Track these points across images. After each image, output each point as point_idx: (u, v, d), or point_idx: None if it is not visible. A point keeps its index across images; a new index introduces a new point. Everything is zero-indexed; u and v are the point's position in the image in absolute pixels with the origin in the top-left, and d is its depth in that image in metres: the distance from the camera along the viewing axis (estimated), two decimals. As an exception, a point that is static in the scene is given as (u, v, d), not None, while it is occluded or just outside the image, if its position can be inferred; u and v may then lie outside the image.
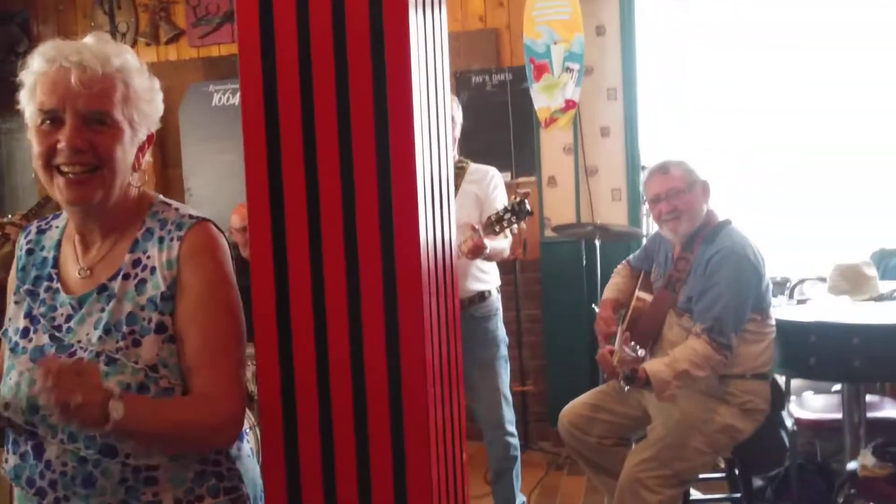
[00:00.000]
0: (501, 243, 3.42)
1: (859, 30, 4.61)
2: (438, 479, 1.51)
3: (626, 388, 2.76)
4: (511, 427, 3.64)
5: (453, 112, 3.53)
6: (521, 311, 4.91)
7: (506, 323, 4.11)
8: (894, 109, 4.59)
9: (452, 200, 1.70)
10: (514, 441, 3.65)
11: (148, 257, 1.49)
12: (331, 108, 1.44)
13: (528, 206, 3.16)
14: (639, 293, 3.06)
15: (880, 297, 3.29)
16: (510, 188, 4.86)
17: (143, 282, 1.47)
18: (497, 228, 3.18)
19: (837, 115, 4.67)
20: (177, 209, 1.55)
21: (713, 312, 2.71)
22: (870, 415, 3.41)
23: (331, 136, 1.44)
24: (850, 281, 3.35)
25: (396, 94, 1.42)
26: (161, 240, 1.49)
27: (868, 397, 3.61)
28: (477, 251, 3.25)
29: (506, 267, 4.71)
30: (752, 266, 2.76)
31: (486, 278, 3.61)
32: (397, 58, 1.42)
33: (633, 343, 2.68)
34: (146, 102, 1.51)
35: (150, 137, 1.55)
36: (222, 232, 1.55)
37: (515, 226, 3.29)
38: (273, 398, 1.48)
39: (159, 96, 1.56)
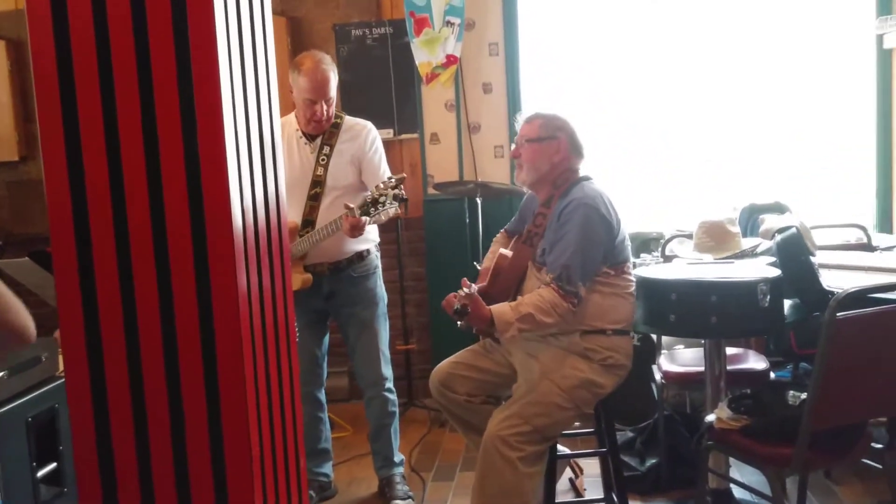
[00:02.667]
0: (387, 213, 3.35)
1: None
2: (262, 457, 1.46)
3: (459, 324, 2.77)
4: (389, 384, 3.64)
5: (325, 73, 3.39)
6: (404, 269, 4.88)
7: (389, 281, 4.08)
8: (767, 72, 4.71)
9: (280, 169, 1.63)
10: (393, 397, 3.65)
11: None
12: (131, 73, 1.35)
13: (403, 194, 3.10)
14: (502, 250, 3.06)
15: (742, 254, 3.38)
16: (393, 144, 4.81)
17: None
18: (371, 211, 3.11)
19: (719, 76, 4.76)
20: None
21: (561, 261, 2.74)
22: (733, 367, 3.52)
23: (133, 110, 1.35)
24: (714, 237, 3.42)
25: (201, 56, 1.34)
26: None
27: (732, 350, 3.73)
28: (356, 231, 3.19)
29: (388, 225, 4.65)
30: (602, 218, 2.78)
31: (363, 238, 3.54)
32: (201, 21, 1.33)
33: (469, 283, 2.74)
34: None
35: None
36: None
37: (391, 209, 3.22)
38: (82, 386, 1.40)
39: None
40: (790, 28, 4.66)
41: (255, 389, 1.43)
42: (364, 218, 3.14)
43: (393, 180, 3.13)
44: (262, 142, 1.54)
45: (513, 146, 3.06)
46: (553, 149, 2.93)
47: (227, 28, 1.39)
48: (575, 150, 2.97)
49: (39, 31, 1.36)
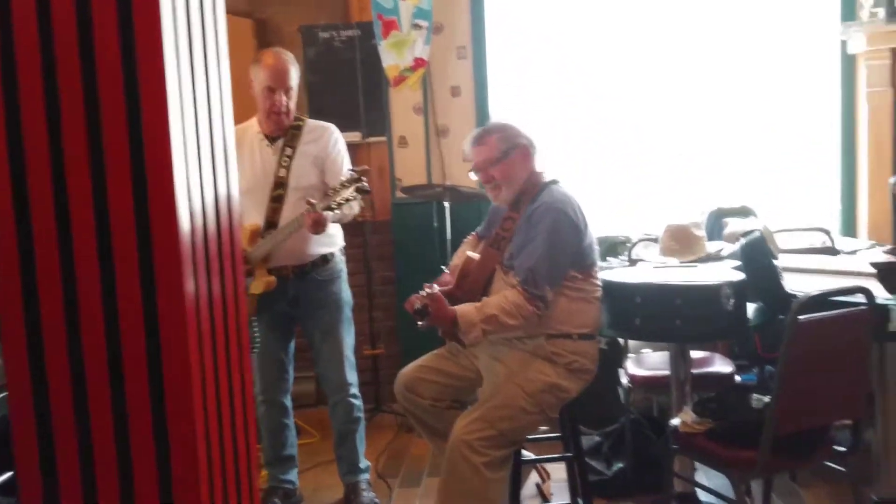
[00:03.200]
0: (350, 207, 3.33)
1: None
2: (210, 466, 1.42)
3: (420, 324, 2.76)
4: (354, 389, 3.60)
5: (285, 63, 3.37)
6: (373, 274, 4.84)
7: (357, 286, 4.04)
8: (734, 77, 4.74)
9: (232, 173, 1.59)
10: (358, 403, 3.61)
11: None
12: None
13: (366, 185, 3.07)
14: (468, 253, 3.05)
15: (707, 258, 3.39)
16: (361, 148, 4.78)
17: None
18: (334, 205, 3.08)
19: (687, 80, 4.78)
20: None
21: (528, 264, 2.74)
22: (699, 370, 3.53)
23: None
24: (679, 241, 3.43)
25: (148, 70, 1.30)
26: None
27: (698, 354, 3.74)
28: (318, 226, 3.15)
29: (355, 229, 4.63)
30: (571, 221, 2.78)
31: (328, 241, 3.52)
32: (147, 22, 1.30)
33: (431, 286, 2.74)
34: None
35: None
36: None
37: (354, 203, 3.19)
38: (24, 394, 1.35)
39: None
40: (757, 35, 4.69)
41: (203, 396, 1.39)
42: (326, 213, 3.10)
43: (355, 173, 3.09)
44: (212, 145, 1.50)
45: (473, 174, 3.01)
46: (521, 158, 2.91)
47: (175, 29, 1.35)
48: (536, 151, 2.96)
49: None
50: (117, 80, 1.31)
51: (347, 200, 3.09)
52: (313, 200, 3.11)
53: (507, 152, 2.90)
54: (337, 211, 3.16)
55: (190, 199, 1.38)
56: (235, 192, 1.63)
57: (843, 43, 4.46)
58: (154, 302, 1.33)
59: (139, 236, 1.32)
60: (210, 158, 1.49)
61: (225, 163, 1.56)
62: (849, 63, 4.52)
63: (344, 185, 3.07)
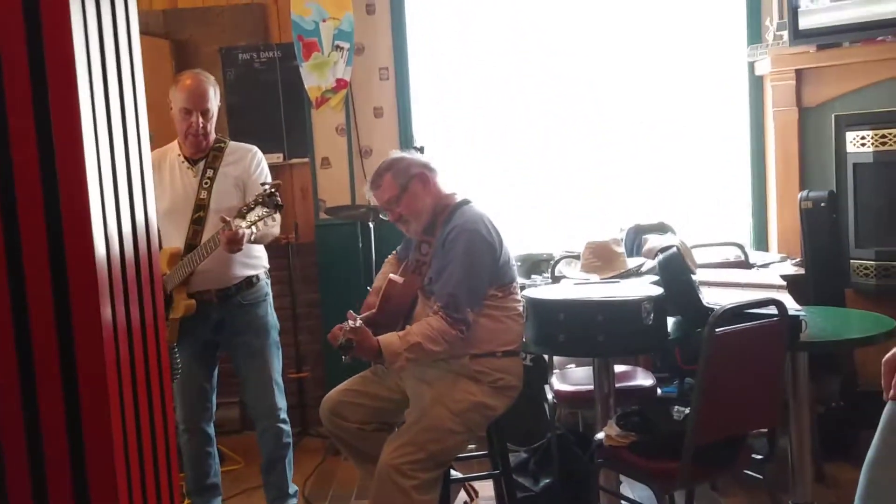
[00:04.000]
0: (269, 228, 3.30)
1: (612, 21, 4.85)
2: (131, 495, 1.39)
3: (344, 358, 2.75)
4: (283, 414, 3.55)
5: (202, 84, 3.34)
6: (297, 296, 4.80)
7: (281, 308, 3.99)
8: (650, 97, 4.87)
9: (149, 192, 1.57)
10: (287, 428, 3.57)
11: None
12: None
13: (278, 199, 3.04)
14: (391, 276, 3.05)
15: (627, 273, 3.46)
16: (284, 169, 4.75)
17: None
18: (248, 222, 3.05)
19: (607, 97, 4.89)
20: None
21: (447, 289, 2.75)
22: (622, 384, 3.59)
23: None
24: (600, 258, 3.50)
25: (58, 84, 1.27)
26: None
27: (621, 368, 3.81)
28: (233, 244, 3.10)
29: (279, 251, 4.59)
30: (485, 241, 2.81)
31: (252, 263, 3.48)
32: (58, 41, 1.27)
33: (355, 316, 2.74)
34: None
35: None
36: None
37: (271, 220, 3.18)
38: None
39: None
40: (669, 56, 4.83)
41: (123, 427, 1.36)
42: (241, 230, 3.06)
43: (267, 187, 3.07)
44: (128, 170, 1.47)
45: (384, 216, 3.05)
46: (421, 186, 2.93)
47: (87, 51, 1.33)
48: (436, 173, 2.98)
49: None
50: (27, 104, 1.28)
51: (261, 217, 3.07)
52: (228, 218, 3.07)
53: (405, 186, 2.92)
54: (254, 228, 3.13)
55: (105, 225, 1.35)
56: (153, 217, 1.60)
57: (751, 65, 4.64)
58: (70, 331, 1.29)
59: (52, 265, 1.28)
60: (127, 184, 1.46)
61: (142, 187, 1.53)
62: (756, 83, 4.70)
63: (257, 201, 3.04)
